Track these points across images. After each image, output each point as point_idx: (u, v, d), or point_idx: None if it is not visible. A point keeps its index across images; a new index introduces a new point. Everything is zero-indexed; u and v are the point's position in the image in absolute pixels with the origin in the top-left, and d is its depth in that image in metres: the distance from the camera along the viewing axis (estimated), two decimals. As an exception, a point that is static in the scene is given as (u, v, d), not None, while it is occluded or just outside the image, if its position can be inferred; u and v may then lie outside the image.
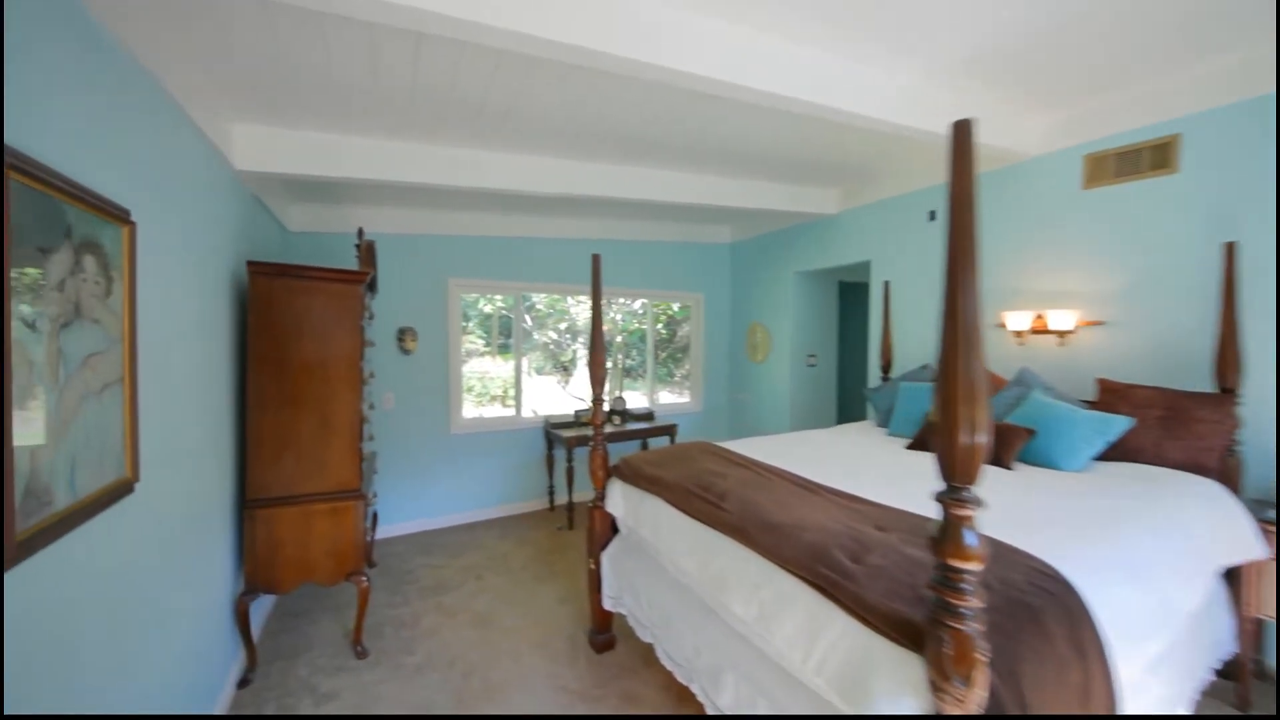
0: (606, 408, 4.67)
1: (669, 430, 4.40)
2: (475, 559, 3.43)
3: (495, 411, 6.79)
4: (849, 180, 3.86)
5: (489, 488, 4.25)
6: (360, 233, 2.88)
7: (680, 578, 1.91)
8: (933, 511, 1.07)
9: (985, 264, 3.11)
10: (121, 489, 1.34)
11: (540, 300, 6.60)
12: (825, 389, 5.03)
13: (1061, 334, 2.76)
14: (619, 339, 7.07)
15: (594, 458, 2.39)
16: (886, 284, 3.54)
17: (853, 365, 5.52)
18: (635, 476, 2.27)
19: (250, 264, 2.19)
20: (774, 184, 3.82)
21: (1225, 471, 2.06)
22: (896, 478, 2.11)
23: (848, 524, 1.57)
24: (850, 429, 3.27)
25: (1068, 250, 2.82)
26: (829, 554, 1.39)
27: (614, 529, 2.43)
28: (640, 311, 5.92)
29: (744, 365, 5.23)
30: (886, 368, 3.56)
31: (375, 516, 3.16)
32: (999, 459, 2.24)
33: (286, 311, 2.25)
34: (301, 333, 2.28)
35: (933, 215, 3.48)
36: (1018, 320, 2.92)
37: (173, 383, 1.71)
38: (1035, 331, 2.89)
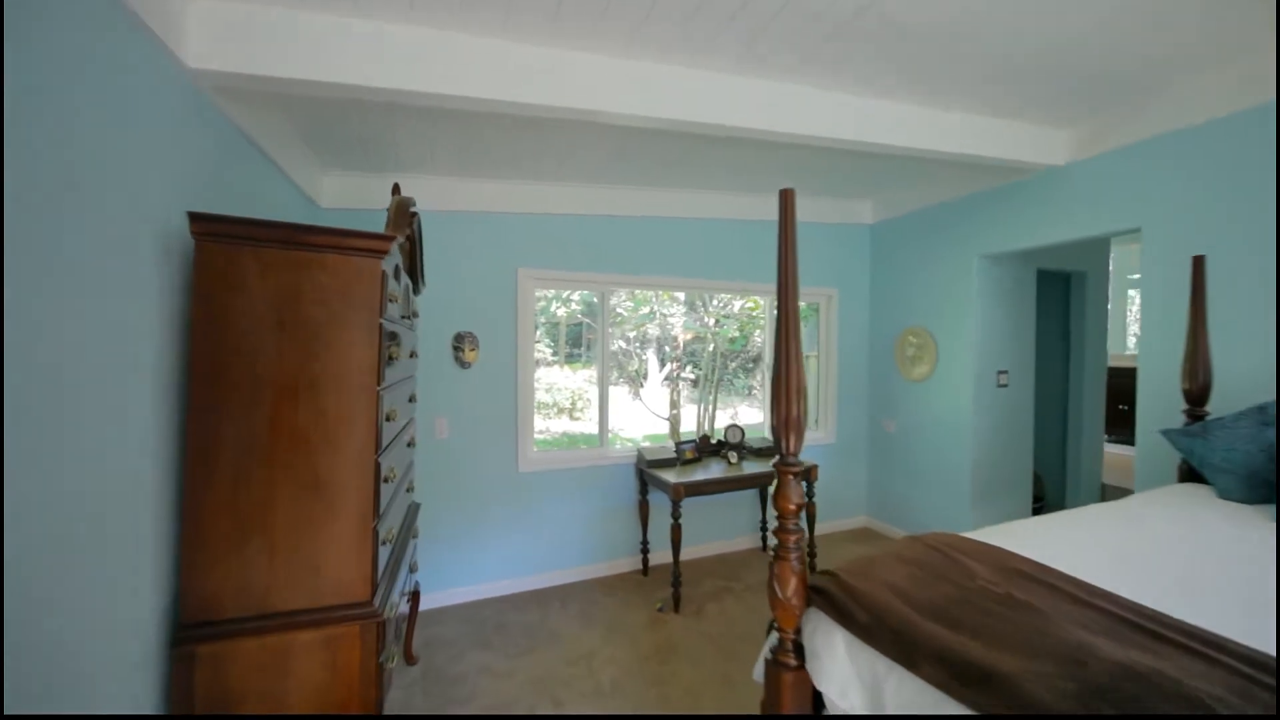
0: (715, 435, 3.65)
1: (807, 473, 3.21)
2: (549, 661, 2.40)
3: (563, 425, 5.90)
4: (1103, 108, 2.53)
5: (565, 543, 3.25)
6: (395, 189, 1.97)
7: None
8: None
9: None
10: None
11: (622, 299, 5.61)
12: (1020, 419, 3.63)
13: None
14: (711, 347, 5.98)
15: (781, 571, 1.27)
16: (1199, 261, 2.18)
17: (1049, 385, 4.06)
18: (887, 630, 1.14)
19: (193, 218, 1.29)
20: (980, 118, 2.58)
21: None
22: None
23: None
24: (1172, 496, 1.95)
25: None
26: None
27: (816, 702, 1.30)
28: (735, 314, 4.80)
29: (892, 383, 3.93)
30: (1200, 397, 2.19)
31: (417, 594, 2.24)
32: None
33: (256, 299, 1.32)
34: (281, 335, 1.35)
35: (1288, 145, 2.10)
36: None
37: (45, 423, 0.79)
38: None
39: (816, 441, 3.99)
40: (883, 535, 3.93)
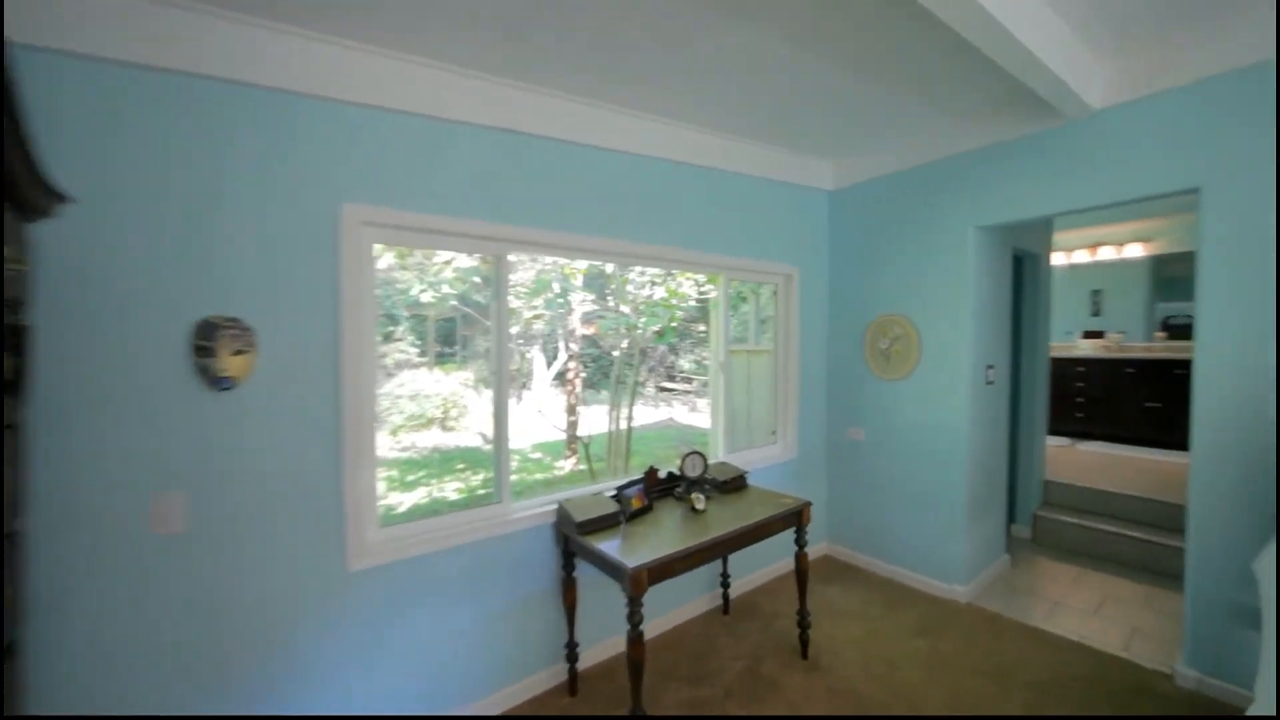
0: (674, 468, 2.59)
1: (798, 516, 2.31)
2: None
3: (433, 439, 4.86)
4: (1157, 38, 1.98)
5: (444, 671, 1.94)
6: None
7: None
8: None
9: None
10: None
11: (522, 273, 4.23)
12: (1002, 421, 3.16)
13: None
14: (625, 343, 4.93)
15: None
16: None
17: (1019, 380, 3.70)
18: None
19: None
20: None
21: None
22: None
23: None
24: None
25: None
26: None
27: None
28: (658, 302, 3.85)
29: (861, 382, 3.25)
30: (1316, 397, 1.69)
31: None
32: None
33: None
34: None
35: None
36: None
37: None
38: None
39: (774, 458, 3.16)
40: (850, 566, 3.25)
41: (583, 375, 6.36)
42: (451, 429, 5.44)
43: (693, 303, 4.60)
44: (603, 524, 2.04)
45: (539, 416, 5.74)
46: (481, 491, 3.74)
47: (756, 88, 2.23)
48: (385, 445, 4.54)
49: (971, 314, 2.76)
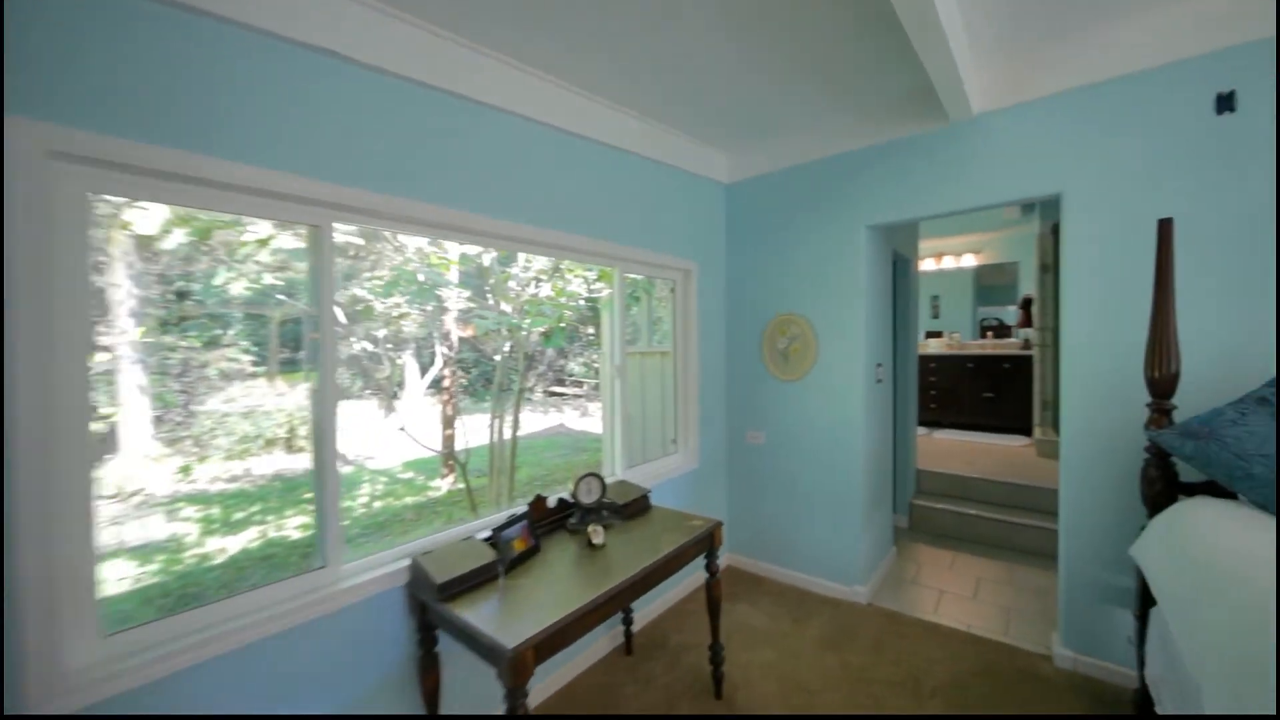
0: (566, 493, 2.08)
1: (710, 538, 2.03)
2: None
3: (277, 463, 4.43)
4: (1024, 44, 2.05)
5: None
6: None
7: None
8: None
9: None
10: None
11: (370, 257, 3.45)
12: (888, 419, 3.24)
13: None
14: (508, 346, 4.41)
15: None
16: (1166, 224, 1.80)
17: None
18: None
19: None
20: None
21: None
22: None
23: None
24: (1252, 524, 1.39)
25: None
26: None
27: None
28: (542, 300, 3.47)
29: (760, 384, 3.13)
30: (1168, 388, 1.80)
31: None
32: None
33: None
34: None
35: (1225, 102, 1.86)
36: None
37: None
38: None
39: (676, 470, 2.90)
40: (753, 576, 3.11)
41: (462, 382, 5.64)
42: (301, 450, 4.46)
43: (582, 302, 4.22)
44: (473, 581, 1.56)
45: (402, 433, 4.95)
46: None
47: (654, 55, 1.93)
48: (208, 476, 3.52)
49: (865, 313, 2.74)
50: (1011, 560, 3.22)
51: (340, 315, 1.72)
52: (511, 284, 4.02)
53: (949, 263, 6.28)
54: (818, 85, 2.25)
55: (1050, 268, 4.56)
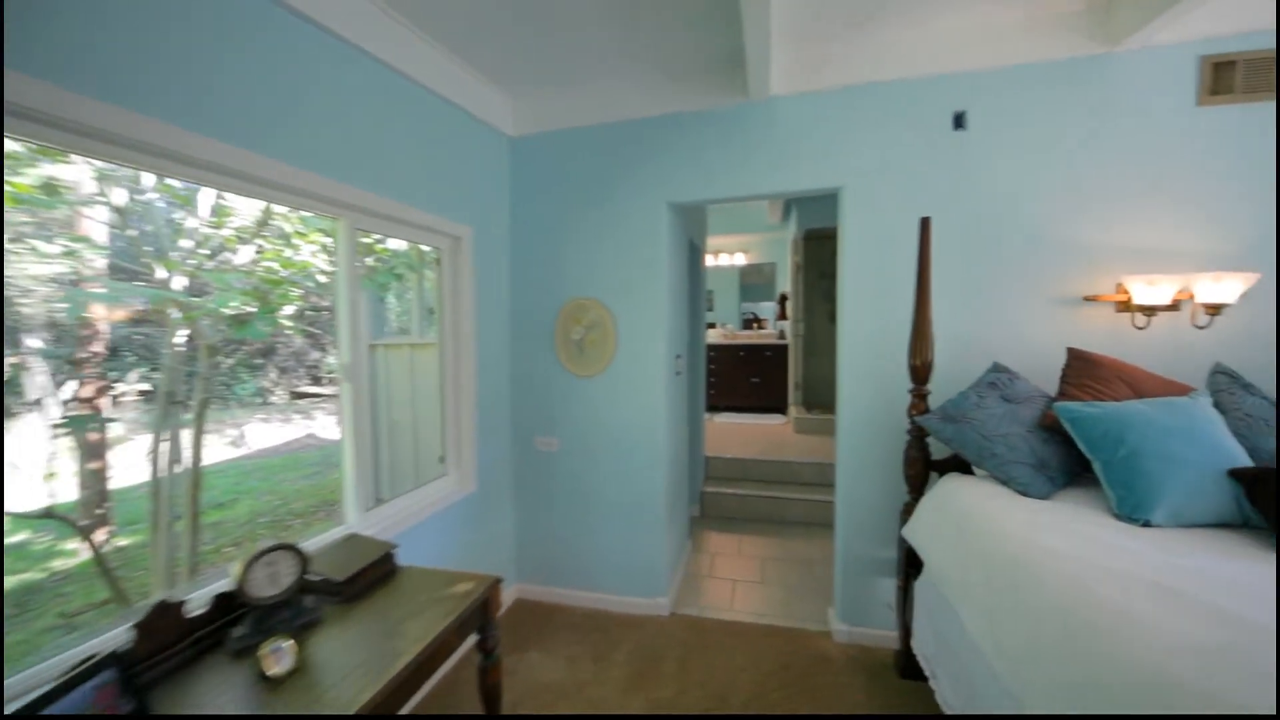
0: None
1: (484, 609, 1.47)
2: None
3: None
4: (806, 34, 2.03)
5: None
6: None
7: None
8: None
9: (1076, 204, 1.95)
10: None
11: None
12: (684, 411, 3.11)
13: (1213, 309, 1.84)
14: (186, 334, 3.03)
15: None
16: (926, 223, 1.92)
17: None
18: None
19: None
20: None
21: None
22: None
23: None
24: (1057, 510, 1.49)
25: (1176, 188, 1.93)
26: None
27: None
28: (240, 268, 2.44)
29: (553, 382, 2.66)
30: (926, 375, 1.96)
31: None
32: None
33: None
34: None
35: (960, 121, 2.10)
36: (1150, 291, 1.85)
37: None
38: (1170, 308, 1.90)
39: (447, 498, 2.25)
40: (550, 607, 2.66)
41: (124, 394, 3.77)
42: None
43: (321, 278, 3.11)
44: None
45: (13, 470, 3.01)
46: None
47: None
48: None
49: (666, 299, 2.51)
50: (783, 536, 3.48)
51: None
52: (186, 242, 2.70)
53: (724, 259, 6.84)
54: (623, 30, 1.87)
55: (803, 268, 5.23)
